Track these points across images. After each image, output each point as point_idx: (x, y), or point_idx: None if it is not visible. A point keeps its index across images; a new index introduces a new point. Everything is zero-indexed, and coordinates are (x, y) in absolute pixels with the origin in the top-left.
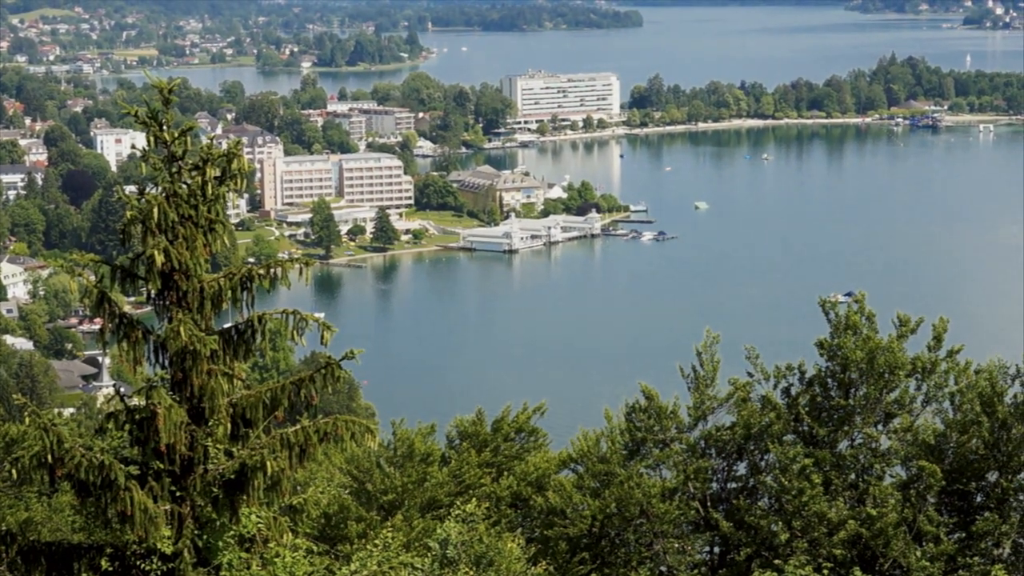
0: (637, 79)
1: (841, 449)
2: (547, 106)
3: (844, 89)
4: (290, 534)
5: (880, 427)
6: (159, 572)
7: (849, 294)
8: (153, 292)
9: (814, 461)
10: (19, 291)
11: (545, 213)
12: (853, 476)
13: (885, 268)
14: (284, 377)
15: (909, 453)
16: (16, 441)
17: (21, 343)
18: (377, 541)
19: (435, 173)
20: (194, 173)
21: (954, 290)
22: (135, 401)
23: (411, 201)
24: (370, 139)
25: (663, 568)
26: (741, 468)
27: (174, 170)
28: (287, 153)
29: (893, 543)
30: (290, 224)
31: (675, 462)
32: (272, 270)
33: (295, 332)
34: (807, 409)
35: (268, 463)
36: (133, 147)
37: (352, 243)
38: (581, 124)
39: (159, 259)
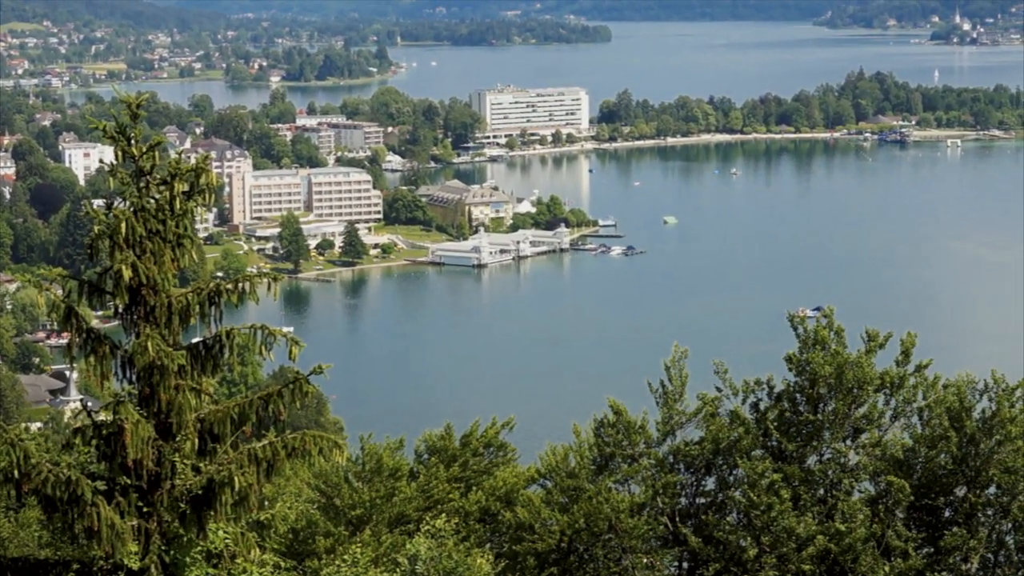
0: (606, 94)
1: (810, 464)
2: (516, 121)
3: (812, 104)
4: (258, 550)
5: (849, 442)
6: None
7: (818, 309)
8: (121, 307)
9: (783, 476)
10: None
11: (514, 228)
12: (822, 491)
13: (854, 283)
14: (252, 392)
15: (878, 468)
16: None
17: None
18: (346, 556)
19: (404, 188)
20: (162, 187)
21: (922, 305)
22: (102, 416)
23: (380, 216)
24: (339, 153)
25: None
26: (710, 483)
27: (142, 185)
28: (256, 167)
29: (862, 558)
30: (259, 238)
31: (644, 477)
32: (240, 285)
33: (263, 347)
34: (776, 424)
35: (236, 478)
36: (101, 161)
37: (321, 258)
38: (550, 139)
39: (127, 274)
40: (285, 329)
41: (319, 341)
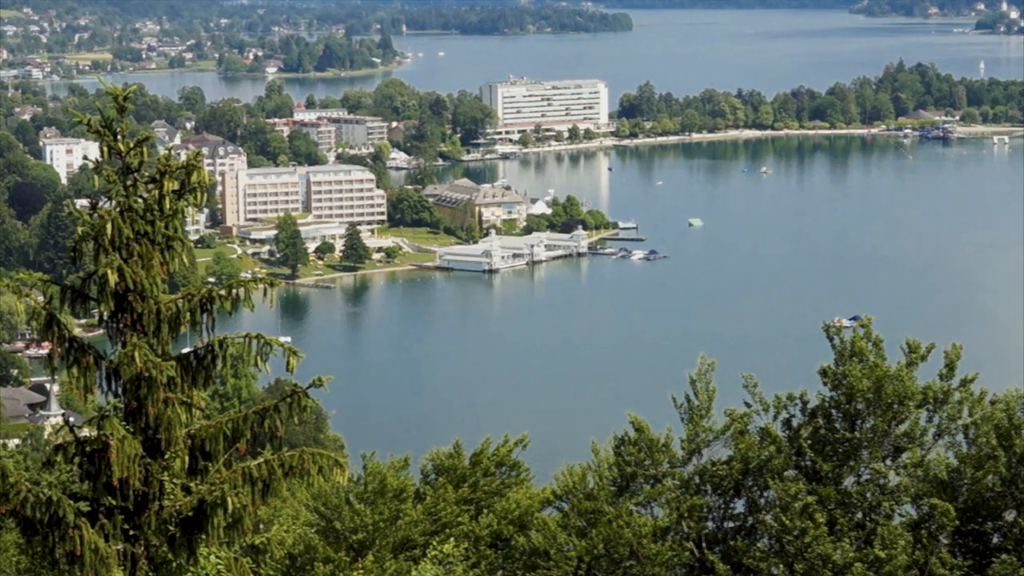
0: (626, 86)
1: (847, 486)
2: (530, 115)
3: (849, 98)
4: None
5: (889, 462)
6: None
7: (855, 318)
8: (106, 314)
9: (817, 499)
10: None
11: (528, 230)
12: (860, 515)
13: (893, 291)
14: (247, 406)
15: (920, 490)
16: None
17: None
18: None
19: (409, 187)
20: (150, 186)
21: (968, 314)
22: (85, 432)
23: (384, 217)
24: (340, 150)
25: None
26: (739, 506)
27: (129, 183)
28: (251, 165)
29: None
30: (253, 241)
31: (667, 499)
32: (234, 291)
33: (259, 358)
34: (810, 442)
35: (229, 499)
36: (85, 158)
37: (320, 262)
38: (566, 135)
39: (112, 279)
40: (282, 339)
41: (318, 352)
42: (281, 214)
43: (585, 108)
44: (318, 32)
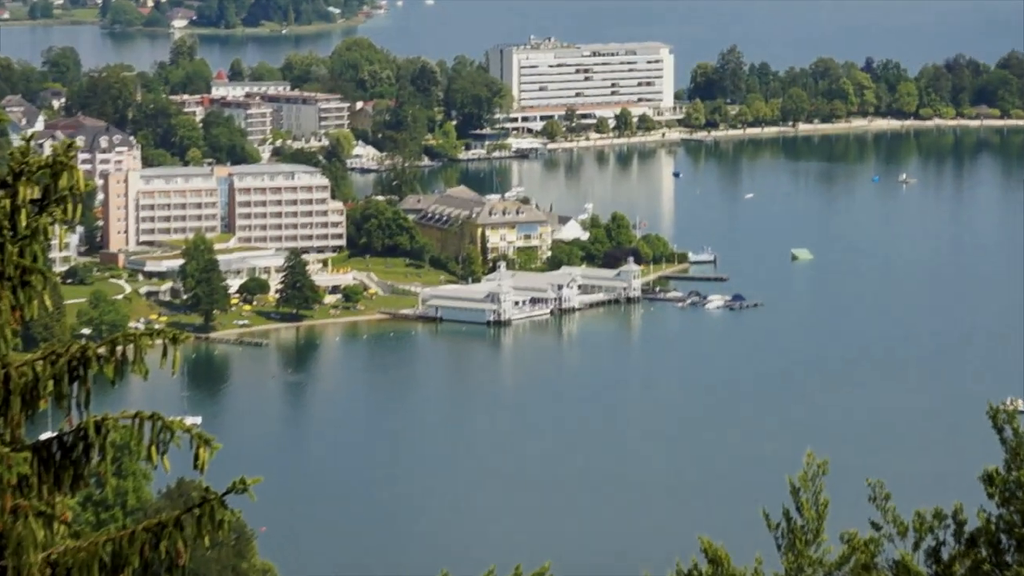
0: (702, 54)
1: None
2: (560, 94)
3: None
4: None
5: None
6: None
7: None
8: None
9: None
10: None
11: (555, 264)
12: None
13: None
14: (135, 520)
15: None
16: None
17: None
18: None
19: (381, 198)
20: None
21: None
22: None
23: (342, 242)
24: (279, 142)
25: None
26: None
27: None
28: (147, 163)
29: None
30: (149, 276)
31: None
32: (119, 349)
33: (154, 448)
34: None
35: None
36: None
37: (247, 307)
38: (613, 123)
39: None
40: (189, 420)
41: (242, 440)
42: (191, 236)
43: (640, 85)
44: None
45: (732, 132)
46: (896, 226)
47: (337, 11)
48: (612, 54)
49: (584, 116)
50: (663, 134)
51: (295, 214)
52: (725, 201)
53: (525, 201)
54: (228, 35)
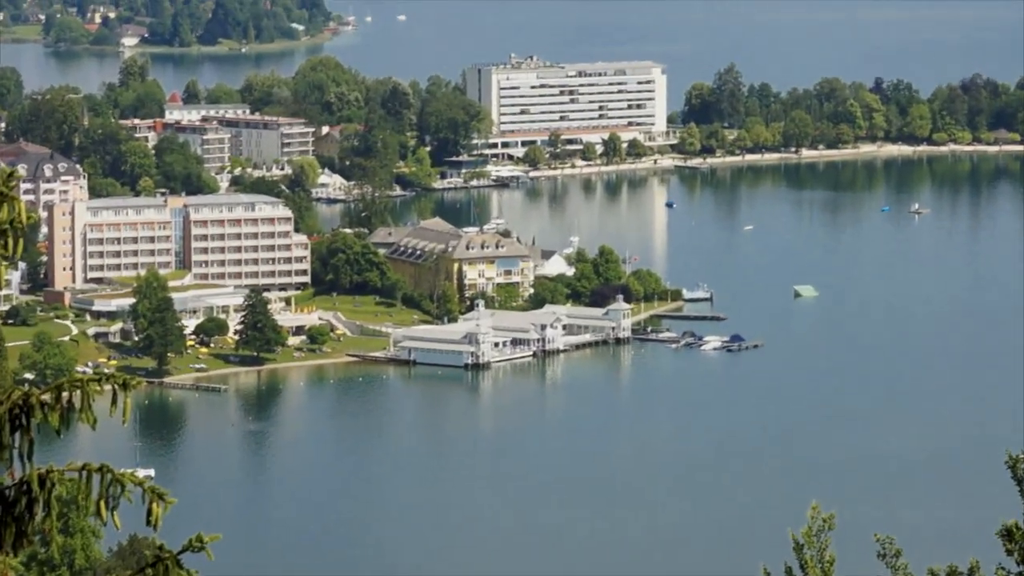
0: (697, 73)
1: None
2: (543, 118)
3: None
4: None
5: None
6: None
7: None
8: None
9: None
10: None
11: (538, 302)
12: None
13: None
14: None
15: None
16: None
17: None
18: None
19: (348, 230)
20: None
21: None
22: None
23: (306, 279)
24: (238, 170)
25: None
26: None
27: None
28: (94, 193)
29: None
30: (98, 316)
31: None
32: (65, 396)
33: (103, 503)
34: None
35: None
36: None
37: (204, 349)
38: (600, 149)
39: None
40: (141, 473)
41: (199, 494)
42: (142, 273)
43: (631, 107)
44: None
45: (730, 158)
46: (907, 260)
47: (301, 28)
48: (599, 74)
49: (569, 141)
50: (655, 161)
51: (256, 248)
52: (722, 234)
53: (505, 234)
54: (183, 54)
